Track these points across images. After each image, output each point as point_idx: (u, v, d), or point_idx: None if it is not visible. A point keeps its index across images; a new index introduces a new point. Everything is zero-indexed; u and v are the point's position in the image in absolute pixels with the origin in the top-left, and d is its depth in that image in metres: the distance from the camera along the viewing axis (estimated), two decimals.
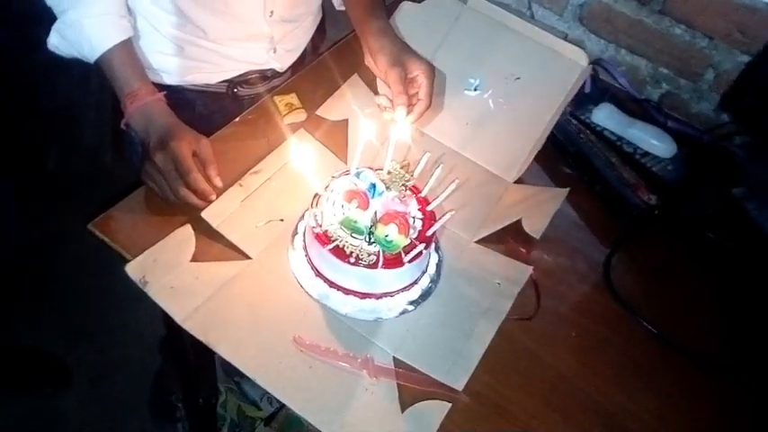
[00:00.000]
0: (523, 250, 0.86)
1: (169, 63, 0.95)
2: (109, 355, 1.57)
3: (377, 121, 0.81)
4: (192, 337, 0.70)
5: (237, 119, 0.95)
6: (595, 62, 1.17)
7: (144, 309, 1.46)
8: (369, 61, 1.00)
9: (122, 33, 0.84)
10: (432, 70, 0.93)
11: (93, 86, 1.68)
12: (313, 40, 1.10)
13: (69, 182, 1.79)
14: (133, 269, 0.73)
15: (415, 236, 0.74)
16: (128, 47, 0.85)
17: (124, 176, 0.89)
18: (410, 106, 0.90)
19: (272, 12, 0.94)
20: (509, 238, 0.86)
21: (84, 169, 1.83)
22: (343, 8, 1.07)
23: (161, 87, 0.88)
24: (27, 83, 1.62)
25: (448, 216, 0.74)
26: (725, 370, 0.79)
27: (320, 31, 1.12)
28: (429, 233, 0.74)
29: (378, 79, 1.01)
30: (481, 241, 0.86)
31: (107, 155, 1.76)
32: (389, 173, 0.76)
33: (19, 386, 1.51)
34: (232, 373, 1.35)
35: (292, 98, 0.99)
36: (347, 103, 1.00)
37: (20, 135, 1.70)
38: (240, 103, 1.01)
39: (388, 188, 0.76)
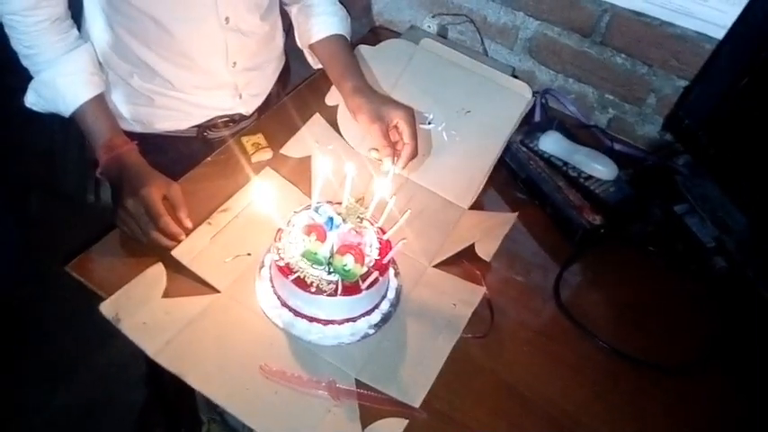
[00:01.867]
0: (478, 272, 0.90)
1: (140, 113, 1.01)
2: (92, 395, 1.58)
3: (333, 158, 0.87)
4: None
5: (207, 159, 1.00)
6: (545, 91, 1.24)
7: (125, 346, 1.49)
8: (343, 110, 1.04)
9: (94, 89, 0.90)
10: (410, 114, 0.96)
11: (74, 130, 1.72)
12: (278, 83, 1.15)
13: (51, 225, 1.82)
14: (106, 308, 0.77)
15: (371, 264, 0.80)
16: (100, 101, 0.91)
17: (105, 218, 0.92)
18: (396, 153, 0.95)
19: (234, 63, 1.00)
20: (464, 262, 0.91)
21: (66, 212, 1.86)
22: (319, 66, 1.12)
23: (133, 136, 0.93)
24: (8, 128, 1.67)
25: (400, 244, 0.80)
26: (673, 376, 0.83)
27: (285, 73, 1.18)
28: (384, 261, 0.80)
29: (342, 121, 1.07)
30: (438, 265, 0.91)
31: (89, 197, 1.80)
32: (346, 207, 0.82)
33: None
34: (213, 403, 1.37)
35: (259, 138, 1.04)
36: (308, 141, 1.05)
37: (2, 180, 1.74)
38: (210, 146, 1.06)
39: (344, 221, 0.82)
